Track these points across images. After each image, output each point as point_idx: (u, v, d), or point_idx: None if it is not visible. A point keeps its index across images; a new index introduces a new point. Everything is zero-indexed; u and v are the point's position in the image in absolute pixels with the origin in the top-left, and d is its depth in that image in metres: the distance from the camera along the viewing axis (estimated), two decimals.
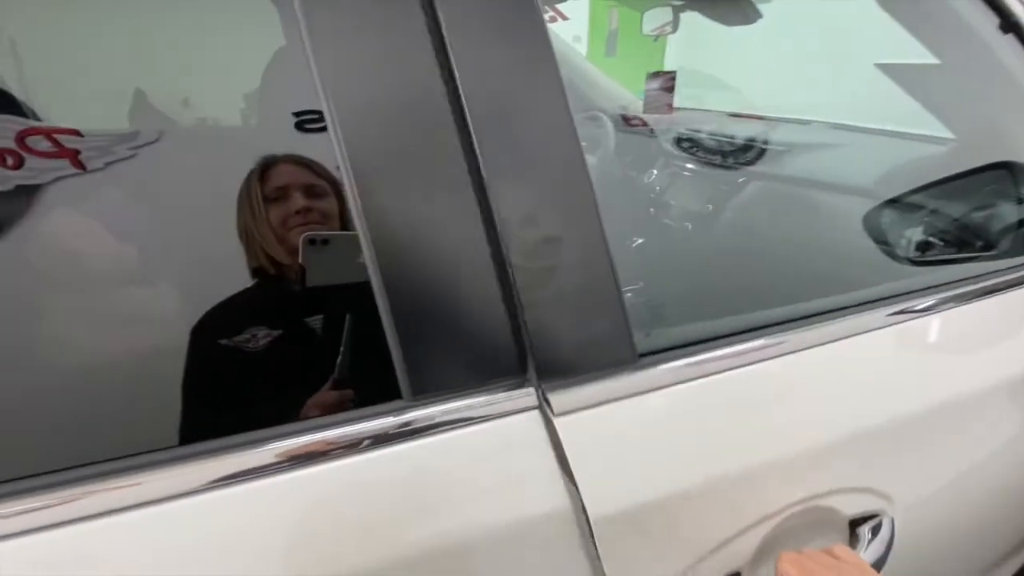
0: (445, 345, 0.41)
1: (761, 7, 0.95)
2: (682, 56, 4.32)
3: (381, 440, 0.39)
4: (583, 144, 1.44)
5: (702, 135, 1.39)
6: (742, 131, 1.33)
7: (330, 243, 0.49)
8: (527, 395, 0.43)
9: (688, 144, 1.42)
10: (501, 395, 0.43)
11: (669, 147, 1.47)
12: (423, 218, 0.39)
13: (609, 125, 1.45)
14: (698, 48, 4.21)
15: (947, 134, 1.07)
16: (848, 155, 1.12)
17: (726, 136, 1.33)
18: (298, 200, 0.51)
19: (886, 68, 0.92)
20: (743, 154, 1.25)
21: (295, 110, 0.54)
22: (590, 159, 1.52)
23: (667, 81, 1.16)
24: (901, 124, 1.19)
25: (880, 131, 1.24)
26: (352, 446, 0.39)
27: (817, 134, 1.29)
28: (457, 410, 0.41)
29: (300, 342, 0.53)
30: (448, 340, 0.41)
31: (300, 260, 0.49)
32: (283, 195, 0.52)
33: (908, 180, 0.96)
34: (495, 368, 0.43)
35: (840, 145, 1.16)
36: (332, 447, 0.38)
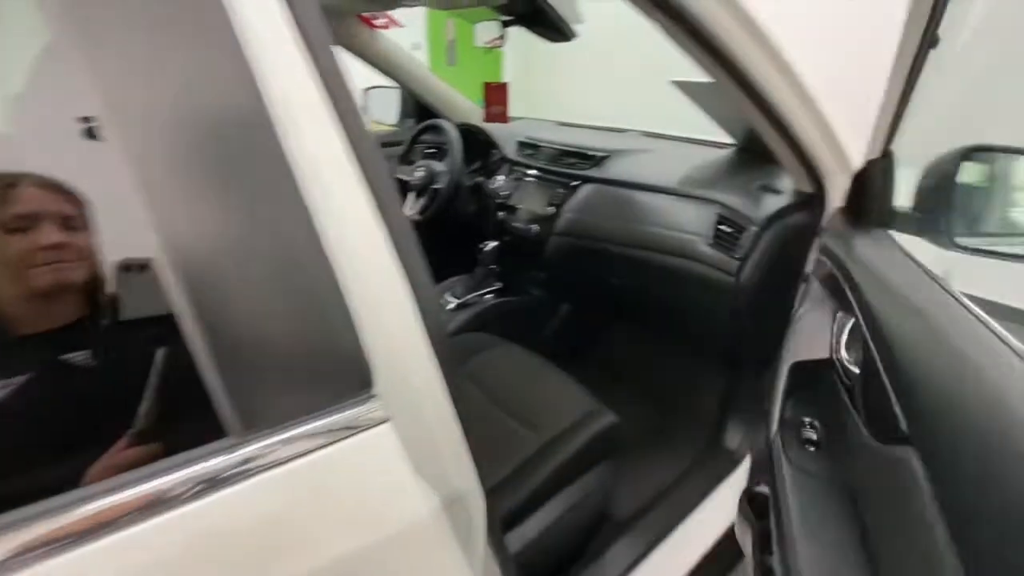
0: (277, 368, 0.38)
1: (580, 28, 1.06)
2: (519, 67, 4.60)
3: (213, 485, 0.35)
4: (432, 151, 1.44)
5: (539, 143, 1.50)
6: (571, 138, 1.46)
7: (148, 269, 0.42)
8: (378, 409, 0.42)
9: (528, 151, 1.52)
10: (349, 413, 0.41)
11: (512, 154, 1.56)
12: (237, 229, 0.36)
13: (454, 134, 1.48)
14: (533, 61, 4.52)
15: (729, 140, 1.31)
16: (656, 159, 1.30)
17: (559, 143, 1.44)
18: (49, 233, 0.42)
19: (679, 84, 1.10)
20: (574, 159, 1.38)
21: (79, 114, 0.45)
22: (438, 166, 1.54)
23: (502, 91, 1.23)
24: (700, 132, 1.42)
25: (681, 138, 1.47)
26: (177, 498, 0.34)
27: (631, 141, 1.47)
28: (301, 437, 0.38)
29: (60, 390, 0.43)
30: (280, 362, 0.38)
31: (113, 289, 0.41)
32: (28, 225, 0.41)
33: (697, 180, 1.16)
34: (338, 385, 0.40)
35: (650, 150, 1.34)
36: (152, 501, 0.33)
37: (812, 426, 0.68)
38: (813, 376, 0.71)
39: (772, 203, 1.03)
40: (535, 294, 1.57)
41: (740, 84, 0.79)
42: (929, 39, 0.57)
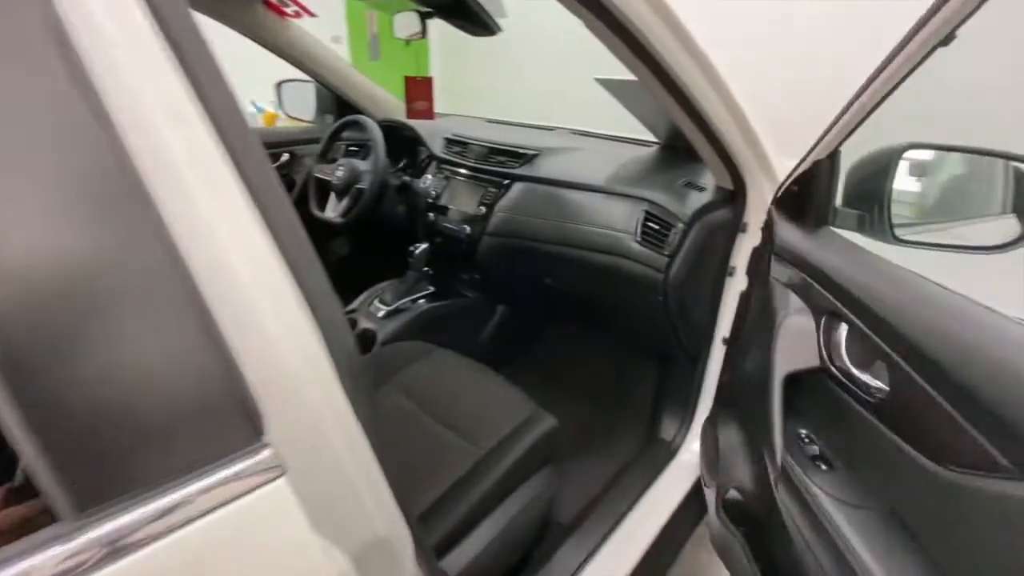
0: (128, 423, 0.30)
1: (505, 22, 1.02)
2: (450, 63, 4.51)
3: None
4: (354, 149, 1.35)
5: (468, 140, 1.45)
6: (500, 136, 1.43)
7: None
8: (272, 461, 0.34)
9: (457, 149, 1.47)
10: (232, 470, 0.33)
11: (440, 152, 1.50)
12: (64, 248, 0.28)
13: (376, 130, 1.40)
14: (460, 56, 4.45)
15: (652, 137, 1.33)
16: (585, 157, 1.30)
17: (489, 141, 1.41)
18: None
19: (603, 82, 1.09)
20: (504, 158, 1.35)
21: None
22: (361, 165, 1.46)
23: (426, 86, 1.17)
24: (627, 130, 1.44)
25: (608, 136, 1.48)
26: None
27: (560, 139, 1.47)
28: (166, 511, 0.31)
29: None
30: (131, 415, 0.30)
31: None
32: None
33: (625, 178, 1.17)
34: (216, 437, 0.33)
35: (579, 148, 1.34)
36: None
37: (809, 439, 0.66)
38: (805, 387, 0.69)
39: (696, 200, 1.06)
40: (470, 296, 1.52)
41: (664, 83, 0.79)
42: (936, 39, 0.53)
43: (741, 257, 1.08)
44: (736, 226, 1.05)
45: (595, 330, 1.59)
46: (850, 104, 0.63)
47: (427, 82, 1.16)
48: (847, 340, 0.63)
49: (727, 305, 1.12)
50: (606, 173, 1.19)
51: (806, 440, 0.67)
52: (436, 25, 1.13)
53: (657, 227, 1.05)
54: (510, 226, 1.27)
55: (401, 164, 1.64)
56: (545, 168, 1.27)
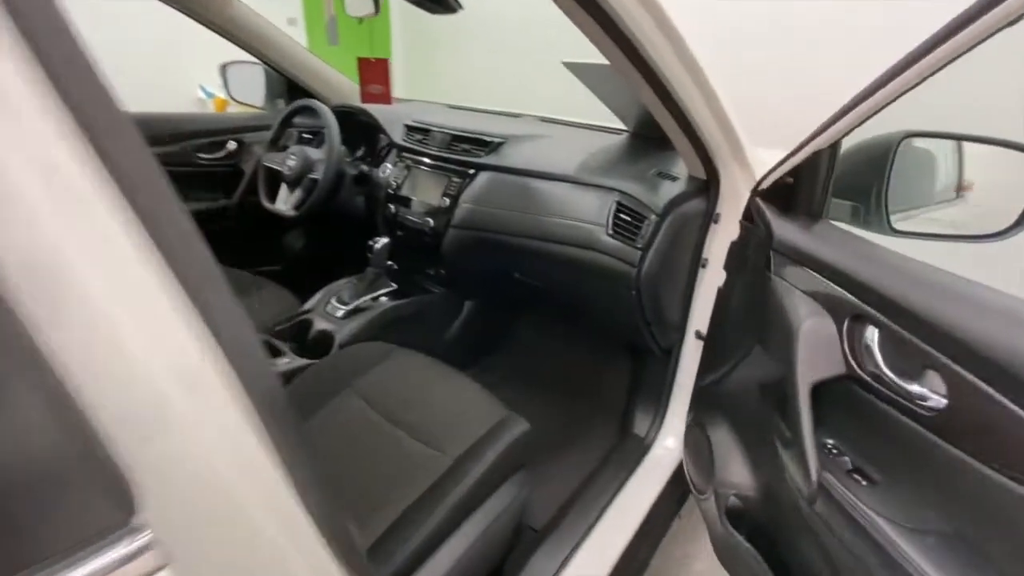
0: None
1: (471, 2, 0.95)
2: (410, 47, 4.35)
3: None
4: (309, 137, 1.24)
5: (430, 127, 1.37)
6: (464, 123, 1.36)
7: None
8: (148, 547, 0.26)
9: (418, 137, 1.39)
10: (83, 569, 0.24)
11: (400, 140, 1.42)
12: None
13: (330, 117, 1.31)
14: (423, 41, 4.30)
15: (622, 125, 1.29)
16: (553, 145, 1.24)
17: (452, 128, 1.34)
18: None
19: (570, 66, 1.04)
20: (468, 145, 1.28)
21: None
22: (315, 153, 1.36)
23: (381, 68, 1.09)
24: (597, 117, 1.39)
25: (576, 123, 1.43)
26: None
27: (527, 126, 1.41)
28: None
29: None
30: None
31: None
32: None
33: (594, 167, 1.12)
34: (66, 520, 0.25)
35: (546, 136, 1.28)
36: None
37: (837, 450, 0.61)
38: (827, 394, 0.63)
39: (668, 190, 1.02)
40: (435, 292, 1.45)
41: (637, 66, 0.74)
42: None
43: (714, 249, 1.05)
44: (709, 217, 1.02)
45: (566, 324, 1.55)
46: (866, 94, 0.58)
47: (383, 64, 1.08)
48: (881, 345, 0.58)
49: (700, 298, 1.09)
50: (575, 162, 1.14)
51: (834, 451, 0.62)
52: (398, 8, 1.04)
53: (629, 219, 1.01)
54: (476, 218, 1.21)
55: (359, 152, 1.55)
56: (512, 157, 1.21)
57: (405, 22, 4.20)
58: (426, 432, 0.88)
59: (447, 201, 1.25)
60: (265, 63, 1.62)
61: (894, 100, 0.56)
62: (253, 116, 1.76)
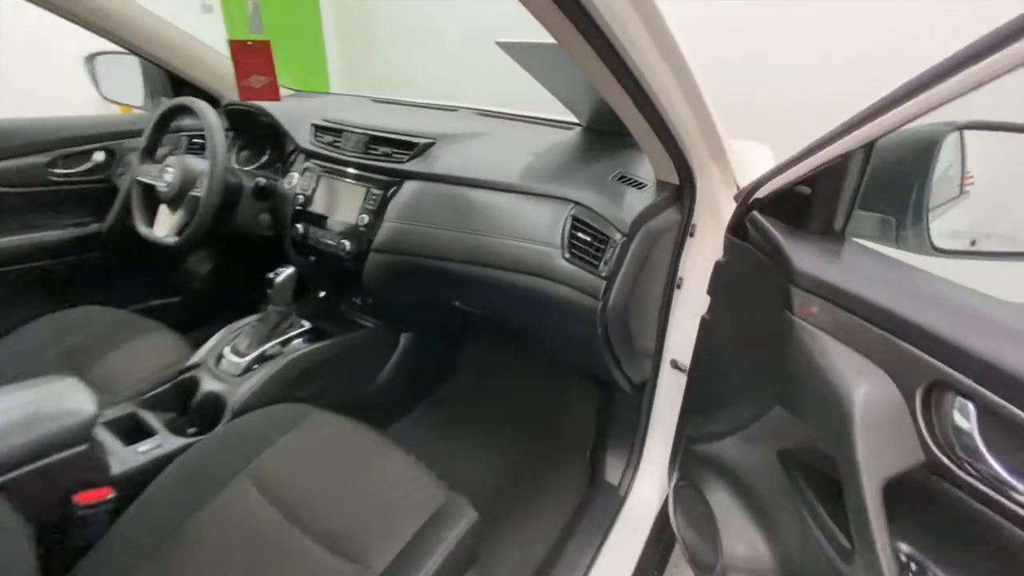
0: None
1: None
2: (345, 40, 3.99)
3: None
4: (199, 143, 0.92)
5: (342, 126, 1.13)
6: (387, 121, 1.13)
7: None
8: None
9: (328, 138, 1.14)
10: None
11: (307, 143, 1.16)
12: None
13: (211, 116, 1.04)
14: (359, 32, 3.94)
15: (572, 118, 1.09)
16: (494, 145, 1.03)
17: (369, 127, 1.10)
18: None
19: (504, 46, 0.82)
20: (390, 148, 1.04)
21: None
22: (198, 164, 1.09)
23: (260, 53, 0.83)
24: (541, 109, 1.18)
25: (519, 116, 1.21)
26: None
27: (463, 122, 1.18)
28: None
29: None
30: None
31: None
32: None
33: (543, 172, 0.91)
34: None
35: (485, 134, 1.07)
36: None
37: (919, 566, 0.44)
38: (905, 489, 0.47)
39: (634, 200, 0.83)
40: (366, 327, 1.22)
41: (594, 45, 0.53)
42: None
43: (690, 265, 0.87)
44: (684, 229, 0.83)
45: (520, 354, 1.35)
46: (924, 83, 0.40)
47: (263, 48, 0.83)
48: (982, 428, 0.42)
49: (676, 322, 0.91)
50: (520, 166, 0.93)
51: (914, 569, 0.45)
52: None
53: (588, 238, 0.81)
54: (403, 240, 0.98)
55: (263, 159, 1.28)
56: (444, 161, 0.99)
57: (338, 15, 3.83)
58: (344, 537, 0.66)
59: (366, 218, 1.01)
60: (137, 54, 1.32)
61: (965, 93, 0.38)
62: (131, 119, 1.45)
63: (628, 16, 0.50)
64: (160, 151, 1.23)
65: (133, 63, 1.42)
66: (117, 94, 1.47)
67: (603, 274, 0.78)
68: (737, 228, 0.70)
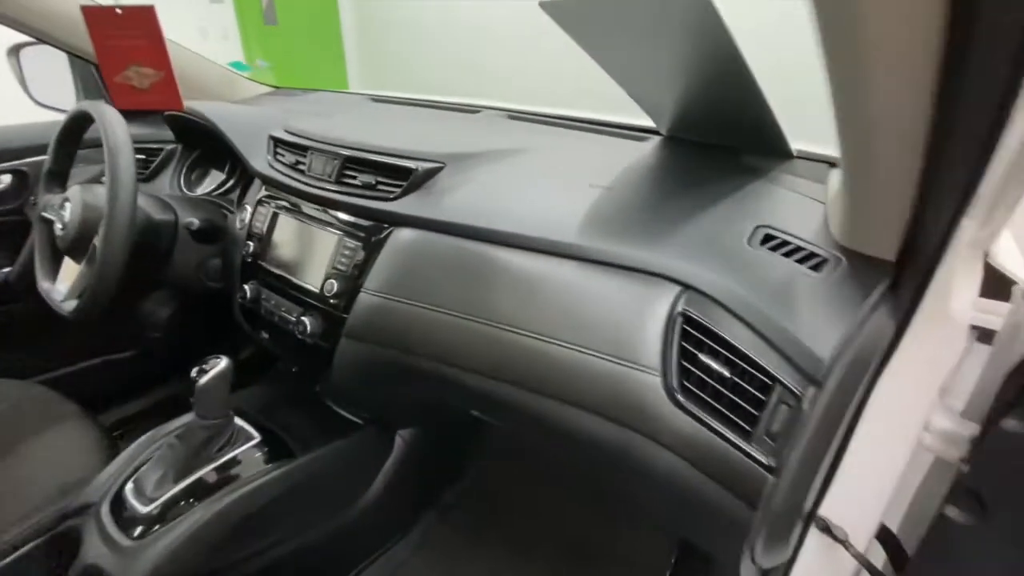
0: None
1: None
2: (364, 34, 3.63)
3: None
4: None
5: (309, 140, 0.76)
6: (381, 131, 0.76)
7: None
8: None
9: (291, 159, 0.78)
10: None
11: (263, 165, 0.81)
12: None
13: (115, 126, 0.69)
14: (378, 27, 3.57)
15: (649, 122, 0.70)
16: (534, 169, 0.65)
17: (348, 143, 0.73)
18: None
19: (550, 7, 0.44)
20: (375, 176, 0.68)
21: None
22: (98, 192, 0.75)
23: (142, 27, 0.48)
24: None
25: (570, 120, 0.83)
26: None
27: (487, 132, 0.81)
28: None
29: None
30: None
31: None
32: None
33: (620, 220, 0.52)
34: None
35: (522, 151, 0.69)
36: None
37: None
38: None
39: (806, 291, 0.44)
40: (352, 420, 0.85)
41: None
42: None
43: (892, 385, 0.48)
44: (891, 348, 0.45)
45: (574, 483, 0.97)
46: None
47: (147, 14, 0.47)
48: None
49: (847, 466, 0.53)
50: (578, 208, 0.55)
51: None
52: None
53: (721, 366, 0.43)
54: (388, 324, 0.62)
55: (226, 184, 0.95)
56: (456, 198, 0.62)
57: (358, 8, 3.46)
58: None
59: (334, 285, 0.66)
60: (64, 49, 1.01)
61: None
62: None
63: None
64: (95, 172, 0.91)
65: (62, 59, 1.10)
66: (53, 98, 1.16)
67: (763, 450, 0.40)
68: None
